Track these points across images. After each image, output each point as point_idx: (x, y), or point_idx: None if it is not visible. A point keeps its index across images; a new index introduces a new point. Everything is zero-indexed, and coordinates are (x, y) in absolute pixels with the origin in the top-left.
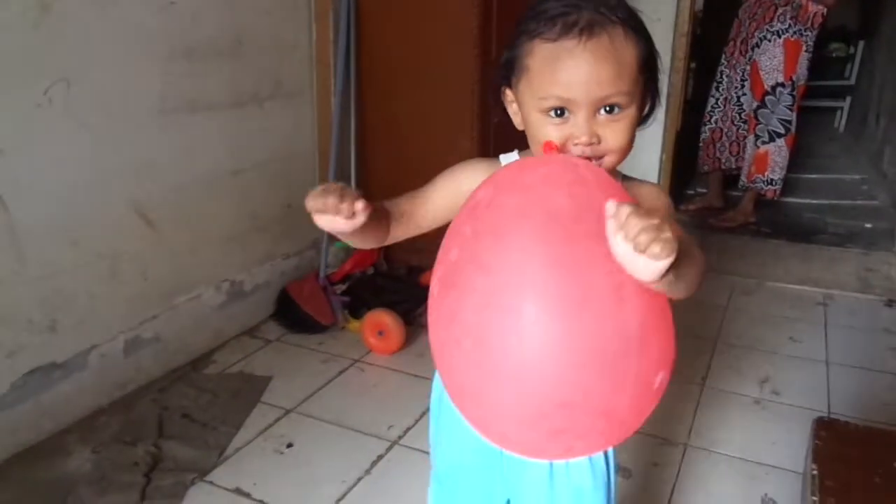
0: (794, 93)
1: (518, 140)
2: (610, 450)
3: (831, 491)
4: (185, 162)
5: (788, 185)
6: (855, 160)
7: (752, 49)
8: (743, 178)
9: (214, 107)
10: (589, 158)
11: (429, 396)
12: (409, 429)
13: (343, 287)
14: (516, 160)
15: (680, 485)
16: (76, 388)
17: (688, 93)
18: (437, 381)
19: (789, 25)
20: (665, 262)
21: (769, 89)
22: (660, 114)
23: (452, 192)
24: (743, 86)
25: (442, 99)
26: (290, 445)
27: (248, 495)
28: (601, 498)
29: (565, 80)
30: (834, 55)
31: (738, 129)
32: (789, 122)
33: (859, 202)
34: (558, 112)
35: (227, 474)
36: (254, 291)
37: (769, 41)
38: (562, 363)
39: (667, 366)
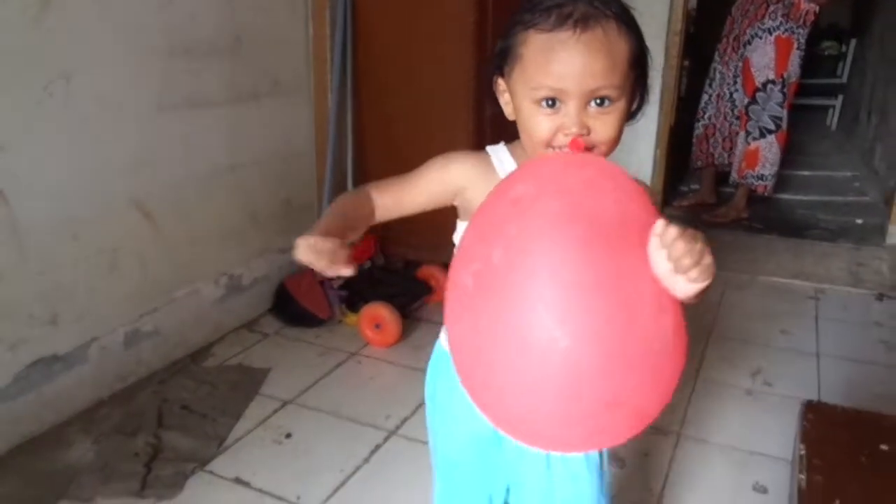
0: (785, 90)
1: (512, 136)
2: None
3: (818, 470)
4: (184, 157)
5: (781, 182)
6: (847, 157)
7: (745, 46)
8: (733, 173)
9: (213, 103)
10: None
11: (424, 389)
12: (406, 419)
13: (340, 281)
14: (555, 154)
15: (673, 473)
16: (77, 380)
17: (681, 90)
18: (431, 376)
19: (781, 23)
20: (702, 285)
21: (760, 86)
22: (654, 110)
23: (442, 183)
24: (735, 82)
25: (438, 95)
26: (288, 436)
27: (247, 484)
28: (595, 483)
29: (558, 71)
30: (826, 53)
31: (730, 126)
32: (780, 118)
33: (851, 198)
34: (550, 102)
35: (227, 464)
36: (252, 285)
37: (761, 38)
38: (612, 368)
39: (686, 360)
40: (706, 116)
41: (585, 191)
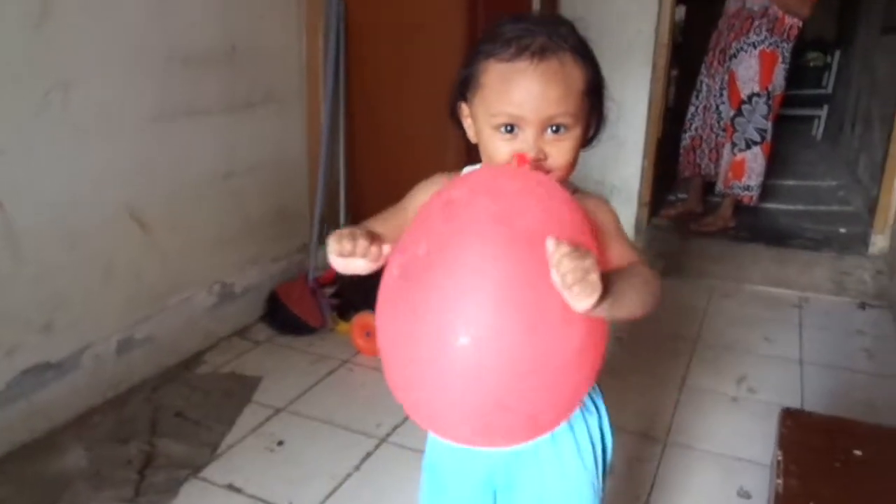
0: (770, 102)
1: None
2: (603, 443)
3: (794, 474)
4: (179, 166)
5: (767, 192)
6: (832, 167)
7: (730, 59)
8: (719, 184)
9: (208, 113)
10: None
11: None
12: (396, 427)
13: (332, 290)
14: (496, 166)
15: (660, 479)
16: (70, 387)
17: (669, 100)
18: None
19: (765, 37)
20: (589, 302)
21: (745, 98)
22: (641, 121)
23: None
24: (722, 94)
25: (428, 107)
26: (281, 443)
27: (240, 491)
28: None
29: (516, 99)
30: (811, 64)
31: (717, 137)
32: (765, 130)
33: (835, 208)
34: (508, 128)
35: (220, 471)
36: (244, 293)
37: (746, 52)
38: (508, 371)
39: (593, 381)
40: (693, 128)
41: (516, 197)
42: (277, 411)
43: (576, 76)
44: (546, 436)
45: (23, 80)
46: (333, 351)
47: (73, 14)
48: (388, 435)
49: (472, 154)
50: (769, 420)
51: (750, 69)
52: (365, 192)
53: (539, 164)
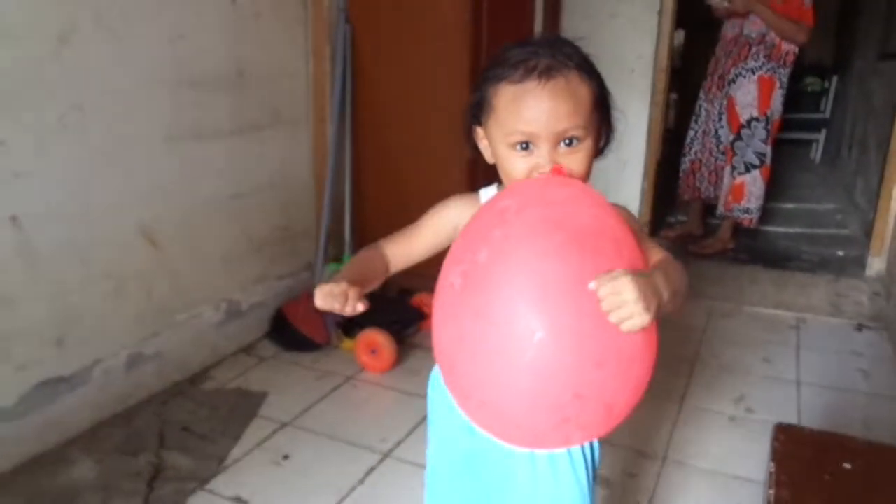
0: (769, 127)
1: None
2: (592, 451)
3: (785, 485)
4: (189, 186)
5: (766, 214)
6: (830, 190)
7: (729, 85)
8: (720, 207)
9: (217, 134)
10: None
11: (419, 412)
12: (400, 442)
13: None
14: (539, 177)
15: (657, 495)
16: (80, 401)
17: (668, 122)
18: (430, 393)
19: (763, 63)
20: (640, 327)
21: (744, 123)
22: (641, 143)
23: (443, 226)
24: (720, 119)
25: (434, 127)
26: (286, 457)
27: (247, 503)
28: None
29: (528, 117)
30: (810, 89)
31: (716, 160)
32: (764, 154)
33: (832, 231)
34: (524, 145)
35: (227, 483)
36: (250, 311)
37: (744, 77)
38: (585, 361)
39: (653, 370)
40: (692, 152)
41: (566, 204)
42: (283, 426)
43: (583, 91)
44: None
45: (42, 103)
46: (338, 367)
47: (89, 41)
48: (392, 450)
49: (475, 174)
50: (766, 439)
51: (748, 94)
52: (370, 212)
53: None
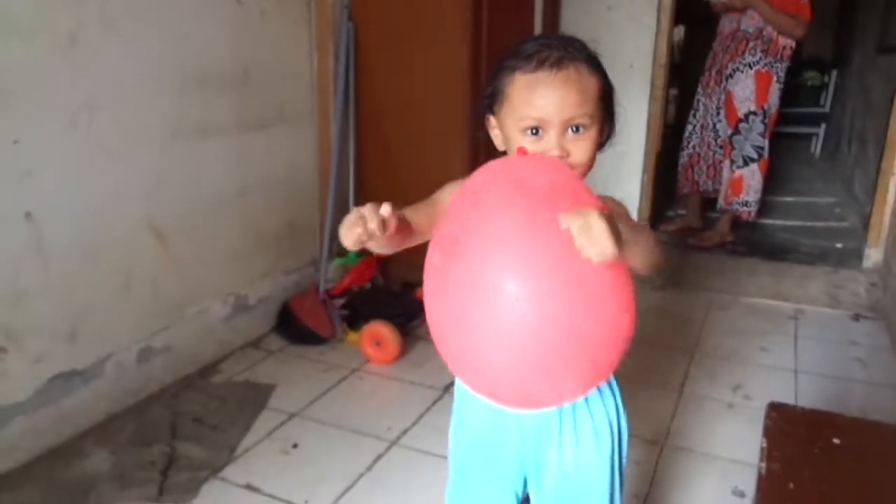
0: (766, 120)
1: None
2: (619, 422)
3: (777, 459)
4: (196, 182)
5: (765, 207)
6: (829, 184)
7: (727, 79)
8: (720, 200)
9: (223, 131)
10: None
11: (425, 402)
12: (406, 430)
13: (342, 301)
14: (501, 158)
15: (658, 479)
16: (93, 394)
17: (668, 118)
18: (456, 386)
19: (760, 58)
20: (604, 255)
21: (742, 117)
22: (641, 138)
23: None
24: (718, 113)
25: (435, 124)
26: (295, 446)
27: (258, 490)
28: (607, 478)
29: (540, 104)
30: (809, 84)
31: (714, 154)
32: (762, 148)
33: (831, 224)
34: (534, 131)
35: (238, 472)
36: (257, 305)
37: (742, 72)
38: (560, 317)
39: (630, 309)
40: (690, 146)
41: (529, 172)
42: (291, 416)
43: (590, 83)
44: (569, 412)
45: (52, 103)
46: (344, 360)
47: (98, 41)
48: (399, 438)
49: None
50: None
51: (746, 89)
52: None
53: (563, 160)
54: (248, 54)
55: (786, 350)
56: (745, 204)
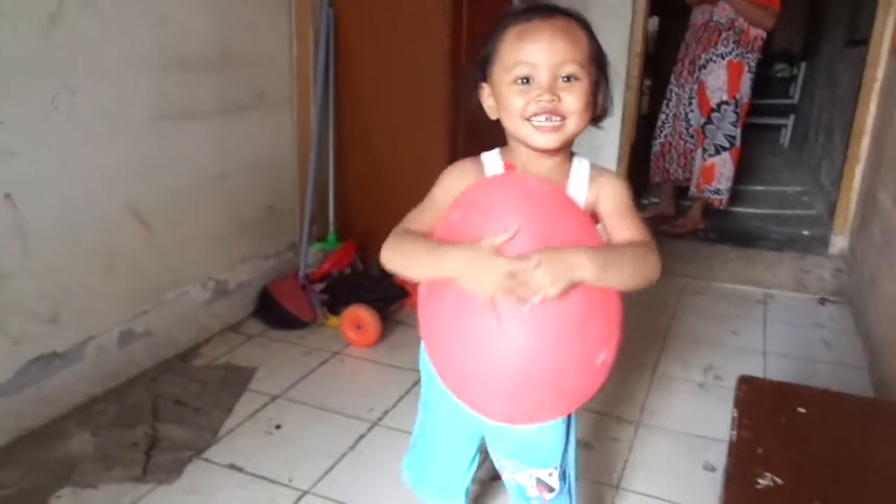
0: (738, 110)
1: (480, 144)
2: None
3: (746, 427)
4: (176, 166)
5: (736, 196)
6: (797, 173)
7: (700, 70)
8: (692, 188)
9: (203, 115)
10: (549, 118)
11: (405, 384)
12: (387, 411)
13: (322, 285)
14: (480, 180)
15: (633, 455)
16: (74, 376)
17: (642, 108)
18: (422, 357)
19: (732, 48)
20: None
21: (715, 107)
22: (616, 128)
23: (453, 192)
24: (691, 103)
25: (415, 110)
26: (278, 427)
27: (241, 469)
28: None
29: (530, 48)
30: (779, 75)
31: (685, 144)
32: (734, 136)
33: (799, 212)
34: (524, 80)
35: (222, 452)
36: (237, 289)
37: (714, 63)
38: (520, 349)
39: (609, 346)
40: (663, 135)
41: (500, 207)
42: (273, 398)
43: (581, 36)
44: None
45: (33, 84)
46: (325, 343)
47: (79, 22)
48: (380, 419)
49: (455, 155)
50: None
51: (719, 79)
52: (353, 192)
53: (555, 107)
54: (229, 38)
55: (755, 333)
56: (717, 192)
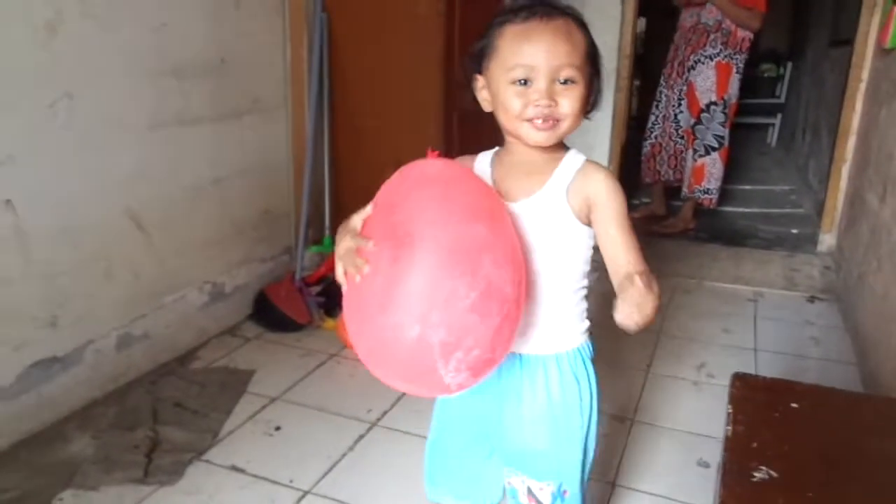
0: (727, 110)
1: (476, 144)
2: (589, 381)
3: (741, 422)
4: (173, 171)
5: (725, 196)
6: (785, 172)
7: (689, 71)
8: (684, 189)
9: (199, 121)
10: (545, 120)
11: None
12: (386, 412)
13: (318, 288)
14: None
15: (628, 452)
16: (74, 380)
17: (633, 109)
18: None
19: (720, 50)
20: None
21: (704, 107)
22: (607, 128)
23: None
24: (680, 104)
25: (409, 114)
26: (278, 428)
27: (242, 471)
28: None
29: (529, 51)
30: (766, 75)
31: (675, 144)
32: (723, 137)
33: (787, 210)
34: (523, 82)
35: (222, 454)
36: (233, 293)
37: (703, 64)
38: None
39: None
40: (653, 136)
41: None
42: (273, 400)
43: (579, 38)
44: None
45: (32, 91)
46: (322, 346)
47: (77, 30)
48: (379, 419)
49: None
50: (726, 401)
51: (707, 80)
52: (348, 195)
53: (552, 111)
54: (224, 44)
55: (746, 330)
56: (707, 192)
